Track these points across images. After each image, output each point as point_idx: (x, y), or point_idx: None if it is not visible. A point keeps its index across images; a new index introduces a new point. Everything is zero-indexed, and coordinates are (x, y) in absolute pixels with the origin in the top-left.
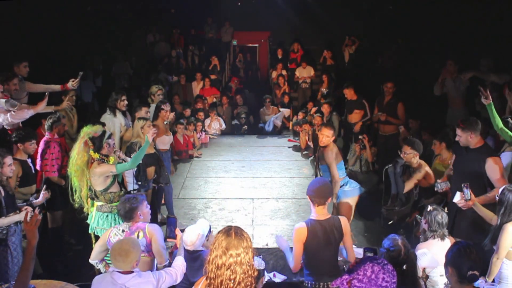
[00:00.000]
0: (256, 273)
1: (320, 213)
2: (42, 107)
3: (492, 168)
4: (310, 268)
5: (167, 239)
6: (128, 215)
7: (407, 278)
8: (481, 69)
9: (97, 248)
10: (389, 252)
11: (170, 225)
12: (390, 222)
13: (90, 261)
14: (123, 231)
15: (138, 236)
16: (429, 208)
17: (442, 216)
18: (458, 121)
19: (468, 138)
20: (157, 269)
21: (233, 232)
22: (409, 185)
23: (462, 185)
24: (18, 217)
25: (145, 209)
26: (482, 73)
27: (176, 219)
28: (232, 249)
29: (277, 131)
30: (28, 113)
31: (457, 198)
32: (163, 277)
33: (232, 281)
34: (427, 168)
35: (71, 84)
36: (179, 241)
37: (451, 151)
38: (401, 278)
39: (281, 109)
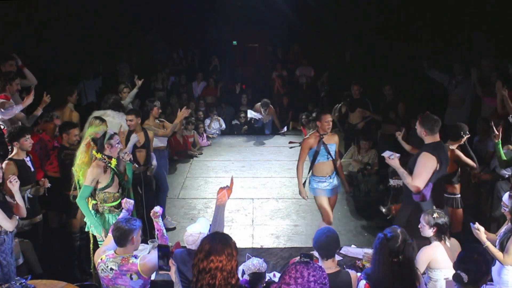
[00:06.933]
0: (238, 282)
1: (327, 266)
2: (29, 101)
3: (420, 162)
4: None
5: (159, 272)
6: (123, 238)
7: (404, 269)
8: (482, 70)
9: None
10: (386, 238)
11: (163, 257)
12: (388, 217)
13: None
14: (111, 269)
15: (131, 277)
16: (435, 215)
17: (445, 218)
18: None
19: (422, 134)
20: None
21: (218, 238)
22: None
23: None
24: (10, 225)
25: (139, 236)
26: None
27: (169, 249)
28: (215, 254)
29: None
30: (17, 108)
31: (386, 153)
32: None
33: (211, 286)
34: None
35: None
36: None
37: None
38: (399, 269)
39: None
